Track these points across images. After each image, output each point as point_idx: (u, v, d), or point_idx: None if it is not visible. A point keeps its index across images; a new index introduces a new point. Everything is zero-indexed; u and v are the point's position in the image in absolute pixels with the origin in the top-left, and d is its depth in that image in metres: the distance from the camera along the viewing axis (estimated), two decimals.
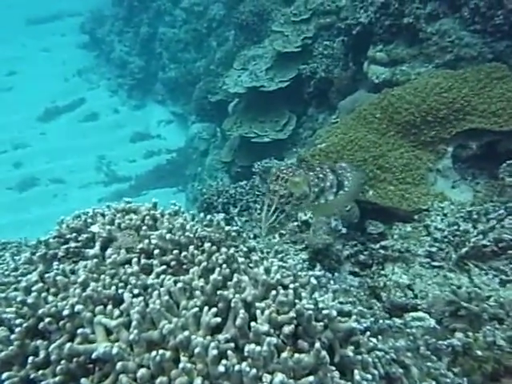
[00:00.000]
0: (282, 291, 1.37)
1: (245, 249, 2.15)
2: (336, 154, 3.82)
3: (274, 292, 1.37)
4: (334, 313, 1.38)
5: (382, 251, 3.01)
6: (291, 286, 1.42)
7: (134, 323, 1.19)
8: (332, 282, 1.83)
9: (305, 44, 5.85)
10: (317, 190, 2.10)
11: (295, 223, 3.47)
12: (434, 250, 2.73)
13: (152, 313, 1.23)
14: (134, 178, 10.09)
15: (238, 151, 7.13)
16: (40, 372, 1.28)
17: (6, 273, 1.90)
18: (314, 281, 1.48)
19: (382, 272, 2.87)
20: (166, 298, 1.27)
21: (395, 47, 4.22)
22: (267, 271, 1.51)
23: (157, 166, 10.33)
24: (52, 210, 9.10)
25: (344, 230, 3.25)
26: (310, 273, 1.55)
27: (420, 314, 2.08)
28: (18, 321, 1.35)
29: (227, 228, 2.08)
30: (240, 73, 6.68)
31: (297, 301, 1.37)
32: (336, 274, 2.13)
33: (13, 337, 1.31)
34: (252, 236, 3.54)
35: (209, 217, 2.09)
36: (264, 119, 6.63)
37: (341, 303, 1.79)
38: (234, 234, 2.13)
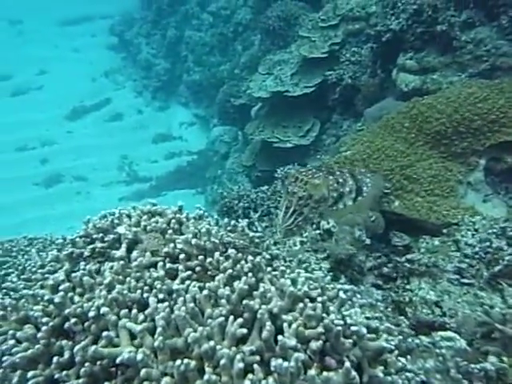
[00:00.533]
0: (309, 304, 1.32)
1: (267, 256, 2.11)
2: (361, 162, 3.74)
3: (301, 305, 1.32)
4: (364, 330, 1.31)
5: (407, 265, 2.91)
6: (319, 299, 1.37)
7: (158, 330, 1.17)
8: (358, 295, 1.76)
9: (332, 50, 5.79)
10: (336, 195, 2.00)
11: (317, 231, 3.40)
12: (463, 266, 2.61)
13: (177, 320, 1.20)
14: (155, 179, 10.20)
15: (260, 155, 7.10)
16: (64, 373, 1.27)
17: (34, 269, 1.92)
18: (342, 295, 1.42)
19: (408, 286, 2.76)
20: (192, 305, 1.24)
21: (426, 55, 4.11)
22: (294, 282, 1.46)
23: (177, 167, 10.42)
24: (75, 207, 9.31)
25: (368, 241, 3.17)
26: (339, 286, 1.50)
27: (449, 333, 1.98)
28: (44, 319, 1.34)
29: (251, 234, 2.05)
30: (265, 77, 6.66)
31: (324, 315, 1.31)
32: (362, 287, 2.05)
33: (39, 335, 1.31)
34: (272, 242, 3.49)
35: (233, 222, 2.06)
36: (287, 124, 6.59)
37: (367, 318, 1.72)
38: (257, 240, 2.10)
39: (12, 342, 1.40)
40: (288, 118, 6.56)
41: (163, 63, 11.81)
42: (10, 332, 1.43)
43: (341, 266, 3.06)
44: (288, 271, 1.60)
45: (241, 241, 1.81)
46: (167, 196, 9.72)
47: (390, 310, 2.20)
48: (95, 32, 14.72)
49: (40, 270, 1.75)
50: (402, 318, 2.15)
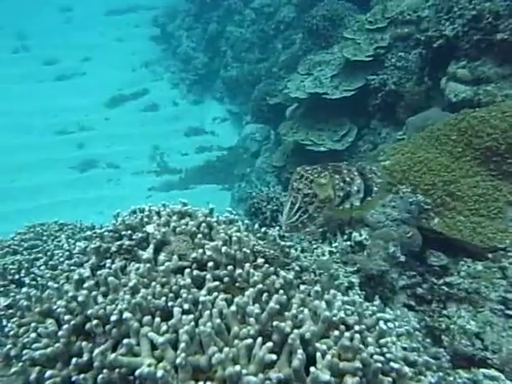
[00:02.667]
0: (346, 334, 1.19)
1: (297, 267, 2.00)
2: (401, 173, 3.55)
3: (336, 332, 1.20)
4: (406, 369, 1.18)
5: (445, 288, 2.71)
6: (356, 327, 1.24)
7: (181, 345, 1.09)
8: (396, 323, 1.61)
9: (377, 53, 5.56)
10: (342, 194, 1.98)
11: (348, 242, 3.25)
12: (510, 296, 2.40)
13: (202, 335, 1.12)
14: (184, 171, 10.26)
15: (291, 157, 6.96)
16: (82, 376, 1.22)
17: (61, 259, 1.91)
18: (383, 325, 1.29)
19: (444, 312, 2.58)
20: (218, 321, 1.15)
21: (482, 65, 3.84)
22: (329, 305, 1.34)
23: (207, 161, 10.44)
24: (105, 193, 9.50)
25: (402, 258, 2.99)
26: (379, 315, 1.36)
27: (493, 372, 1.80)
28: (67, 317, 1.30)
29: (282, 243, 1.95)
30: (303, 78, 6.51)
31: (362, 347, 1.19)
32: (398, 312, 1.90)
33: (60, 333, 1.27)
34: (300, 249, 3.37)
35: (263, 229, 1.97)
36: (322, 127, 6.41)
37: (404, 349, 1.57)
38: (287, 249, 1.99)
39: (33, 335, 1.36)
40: (324, 121, 6.38)
41: (202, 57, 11.85)
42: (33, 325, 1.40)
43: (371, 282, 2.91)
44: (319, 289, 1.48)
45: (271, 250, 1.71)
46: (195, 190, 9.75)
47: (428, 340, 2.03)
48: (139, 22, 14.98)
49: (67, 261, 1.73)
50: (442, 350, 1.98)
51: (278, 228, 2.53)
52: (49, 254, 2.47)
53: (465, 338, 2.21)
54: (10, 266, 2.36)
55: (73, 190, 9.47)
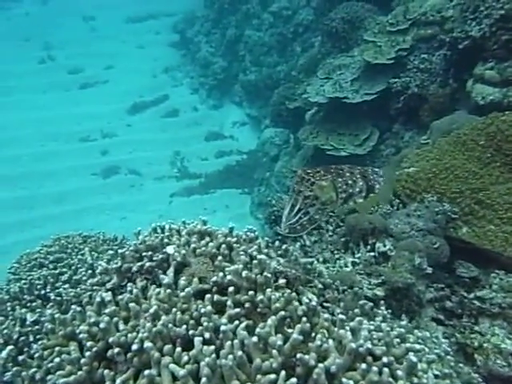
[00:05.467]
0: (374, 368, 1.14)
1: (320, 285, 1.96)
2: (426, 181, 3.44)
3: (363, 365, 1.15)
4: None
5: (476, 302, 2.60)
6: (384, 359, 1.19)
7: (203, 380, 1.06)
8: (427, 349, 1.54)
9: (398, 56, 5.42)
10: (345, 196, 2.02)
11: (371, 253, 3.17)
12: None
13: (223, 368, 1.09)
14: (204, 176, 10.33)
15: (311, 162, 6.89)
16: None
17: (84, 278, 1.93)
18: (413, 358, 1.22)
19: (476, 328, 2.46)
20: (240, 353, 1.12)
21: (511, 66, 3.68)
22: (354, 333, 1.29)
23: (226, 166, 10.48)
24: (128, 199, 9.67)
25: (429, 270, 2.89)
26: (408, 345, 1.30)
27: None
28: (89, 343, 1.30)
29: (303, 261, 1.91)
30: (323, 82, 6.42)
31: (391, 380, 1.13)
32: (427, 334, 1.82)
33: (83, 361, 1.27)
34: (321, 260, 3.31)
35: (284, 246, 1.93)
36: (343, 132, 6.31)
37: (436, 376, 1.50)
38: (309, 266, 1.95)
39: (57, 360, 1.37)
40: (344, 125, 6.28)
41: (221, 62, 11.91)
42: (57, 349, 1.41)
43: (397, 295, 2.82)
44: (344, 316, 1.42)
45: (293, 270, 1.68)
46: (215, 194, 9.79)
47: (460, 363, 1.93)
48: (159, 29, 15.20)
49: (89, 281, 1.74)
50: (477, 376, 1.88)
51: (299, 244, 2.48)
52: (73, 268, 2.51)
53: (500, 357, 2.10)
54: (37, 282, 2.41)
55: (96, 196, 9.69)
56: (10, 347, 1.96)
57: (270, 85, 9.93)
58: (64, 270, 2.55)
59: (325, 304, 1.80)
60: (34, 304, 2.34)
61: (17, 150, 10.88)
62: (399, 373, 1.16)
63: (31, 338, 2.08)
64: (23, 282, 2.53)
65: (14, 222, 9.03)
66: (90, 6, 16.45)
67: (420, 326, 2.52)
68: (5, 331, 2.19)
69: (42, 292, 2.41)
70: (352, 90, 5.85)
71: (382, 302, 1.97)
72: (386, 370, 1.09)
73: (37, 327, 2.17)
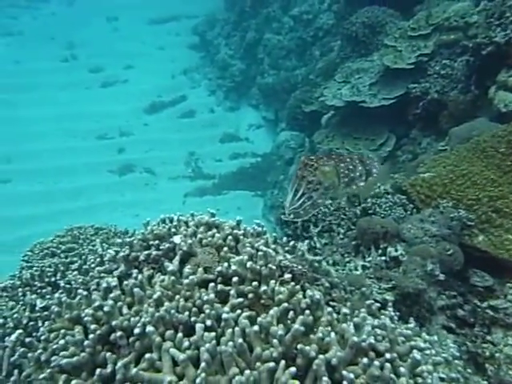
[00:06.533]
0: (375, 362, 1.11)
1: (327, 284, 1.93)
2: (442, 187, 3.38)
3: (365, 360, 1.12)
4: None
5: (489, 312, 2.53)
6: (387, 355, 1.16)
7: (202, 365, 1.05)
8: (433, 350, 1.49)
9: (419, 61, 5.34)
10: (347, 180, 2.14)
11: (382, 257, 3.12)
12: None
13: (223, 355, 1.08)
14: (218, 177, 10.38)
15: None
16: None
17: (92, 265, 1.96)
18: (417, 355, 1.19)
19: (488, 337, 2.39)
20: (240, 340, 1.11)
21: None
22: (357, 328, 1.26)
23: (240, 168, 10.51)
24: (142, 197, 9.78)
25: (442, 277, 2.82)
26: (412, 343, 1.26)
27: None
28: (92, 326, 1.31)
29: (310, 258, 1.88)
30: (341, 85, 6.38)
31: (393, 377, 1.10)
32: (435, 337, 1.77)
33: (86, 343, 1.28)
34: (331, 262, 3.26)
35: (292, 243, 1.92)
36: (359, 136, 6.25)
37: (442, 380, 1.45)
38: (316, 264, 1.93)
39: (62, 342, 1.39)
40: (361, 129, 6.22)
41: (239, 64, 11.98)
42: (62, 331, 1.43)
43: (407, 301, 2.76)
44: (348, 310, 1.40)
45: (299, 266, 1.66)
46: (227, 195, 9.81)
47: (468, 369, 1.88)
48: (180, 31, 15.42)
49: (97, 268, 1.76)
50: (485, 383, 1.82)
51: (307, 242, 2.45)
52: (83, 257, 2.54)
53: None
54: (47, 269, 2.45)
55: (111, 193, 9.83)
56: (19, 331, 1.99)
57: (288, 88, 9.92)
58: (74, 259, 2.59)
59: (331, 303, 1.77)
60: (44, 290, 2.38)
61: (37, 145, 11.15)
62: (402, 370, 1.13)
63: (40, 324, 2.11)
64: (35, 269, 2.57)
65: (31, 215, 9.24)
66: (115, 7, 16.82)
67: (430, 333, 2.46)
68: (15, 315, 2.22)
69: (53, 279, 2.44)
70: (370, 95, 5.80)
71: (390, 303, 1.92)
72: (387, 365, 1.06)
73: (46, 313, 2.20)
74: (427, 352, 1.31)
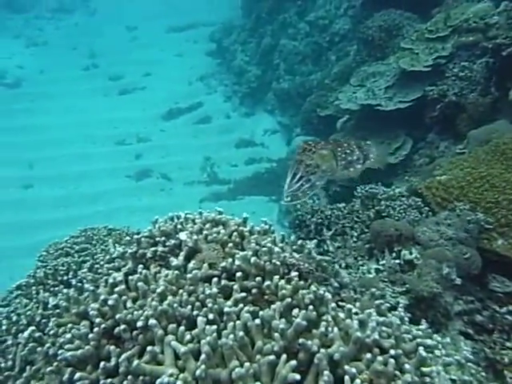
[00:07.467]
0: (379, 357, 1.08)
1: (336, 284, 1.89)
2: (459, 190, 3.29)
3: (368, 355, 1.09)
4: None
5: (509, 317, 2.43)
6: (392, 351, 1.12)
7: (202, 357, 1.04)
8: (443, 350, 1.44)
9: (436, 63, 5.25)
10: (344, 163, 2.18)
11: (397, 261, 3.05)
12: None
13: (224, 348, 1.07)
14: (233, 182, 10.42)
15: None
16: (109, 380, 1.23)
17: (101, 263, 1.98)
18: (423, 352, 1.15)
19: (508, 344, 2.30)
20: (241, 333, 1.09)
21: None
22: (362, 325, 1.23)
23: (255, 173, 10.53)
24: (158, 202, 9.90)
25: (458, 281, 2.74)
26: (418, 340, 1.22)
27: None
28: (98, 320, 1.32)
29: (318, 257, 1.85)
30: (356, 89, 6.33)
31: (398, 373, 1.06)
32: (448, 339, 1.71)
33: (90, 336, 1.30)
34: (344, 265, 3.21)
35: (300, 242, 1.90)
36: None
37: (453, 381, 1.39)
38: (325, 264, 1.89)
39: (69, 335, 1.40)
40: (376, 133, 6.12)
41: (255, 70, 12.06)
42: (69, 325, 1.44)
43: (421, 305, 2.69)
44: (355, 309, 1.36)
45: (306, 264, 1.63)
46: (242, 201, 9.83)
47: (482, 372, 1.80)
48: (198, 38, 15.68)
49: (106, 265, 1.78)
50: None
51: (315, 242, 2.41)
52: (95, 257, 2.58)
53: None
54: (60, 268, 2.49)
55: (128, 198, 9.99)
56: (31, 328, 2.03)
57: (303, 93, 9.91)
58: (87, 258, 2.63)
59: (340, 303, 1.73)
60: (56, 289, 2.42)
61: (58, 151, 11.48)
62: (407, 366, 1.09)
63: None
64: (48, 267, 2.63)
65: (51, 219, 9.48)
66: (134, 17, 17.28)
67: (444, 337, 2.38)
68: (28, 313, 2.27)
69: (65, 278, 2.49)
70: (385, 98, 5.72)
71: (402, 305, 1.87)
72: (391, 361, 1.02)
73: (57, 311, 2.24)
74: (437, 352, 1.26)
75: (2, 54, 15.44)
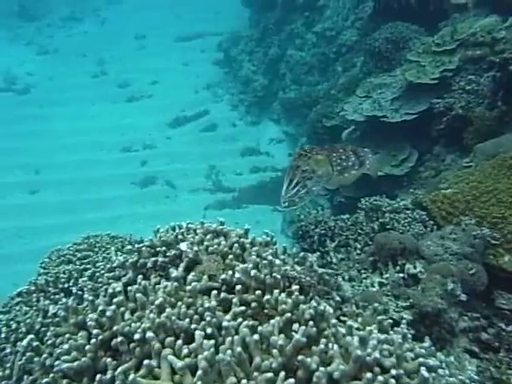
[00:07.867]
0: (379, 377, 1.05)
1: (337, 298, 1.87)
2: (464, 204, 3.26)
3: (369, 375, 1.06)
4: None
5: None
6: (393, 371, 1.09)
7: (199, 372, 1.03)
8: (447, 370, 1.40)
9: (443, 77, 5.24)
10: (339, 168, 2.17)
11: (400, 275, 3.01)
12: None
13: (221, 364, 1.05)
14: (238, 191, 10.43)
15: None
16: None
17: (102, 272, 1.97)
18: (425, 373, 1.12)
19: None
20: (239, 349, 1.07)
21: None
22: (363, 342, 1.20)
23: (260, 182, 10.53)
24: (162, 209, 9.91)
25: (463, 297, 2.70)
26: (421, 359, 1.19)
27: None
28: (95, 331, 1.31)
29: (320, 271, 1.83)
30: (362, 100, 6.33)
31: None
32: (452, 358, 1.67)
33: (87, 348, 1.28)
34: (347, 278, 3.18)
35: (302, 254, 1.88)
36: (380, 151, 6.14)
37: None
38: (327, 277, 1.87)
39: (66, 346, 1.38)
40: (382, 145, 6.10)
41: (261, 80, 12.13)
42: (67, 336, 1.43)
43: (426, 321, 2.64)
44: (356, 325, 1.34)
45: (307, 277, 1.61)
46: (247, 209, 9.81)
47: None
48: (205, 48, 15.84)
49: (107, 274, 1.77)
50: None
51: (316, 255, 2.39)
52: (97, 265, 2.57)
53: None
54: (61, 275, 2.48)
55: (133, 205, 10.02)
56: (30, 336, 2.01)
57: (309, 103, 9.94)
58: (88, 266, 2.62)
59: (342, 318, 1.71)
60: (57, 296, 2.41)
61: (65, 157, 11.58)
62: None
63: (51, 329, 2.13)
64: (49, 275, 2.62)
65: (57, 224, 9.51)
66: (143, 26, 17.53)
67: (449, 355, 2.33)
68: (28, 321, 2.25)
69: (66, 286, 2.48)
70: (392, 110, 5.71)
71: (405, 321, 1.84)
72: (392, 381, 0.99)
73: (57, 319, 2.23)
74: (440, 372, 1.23)
75: (13, 60, 15.71)
